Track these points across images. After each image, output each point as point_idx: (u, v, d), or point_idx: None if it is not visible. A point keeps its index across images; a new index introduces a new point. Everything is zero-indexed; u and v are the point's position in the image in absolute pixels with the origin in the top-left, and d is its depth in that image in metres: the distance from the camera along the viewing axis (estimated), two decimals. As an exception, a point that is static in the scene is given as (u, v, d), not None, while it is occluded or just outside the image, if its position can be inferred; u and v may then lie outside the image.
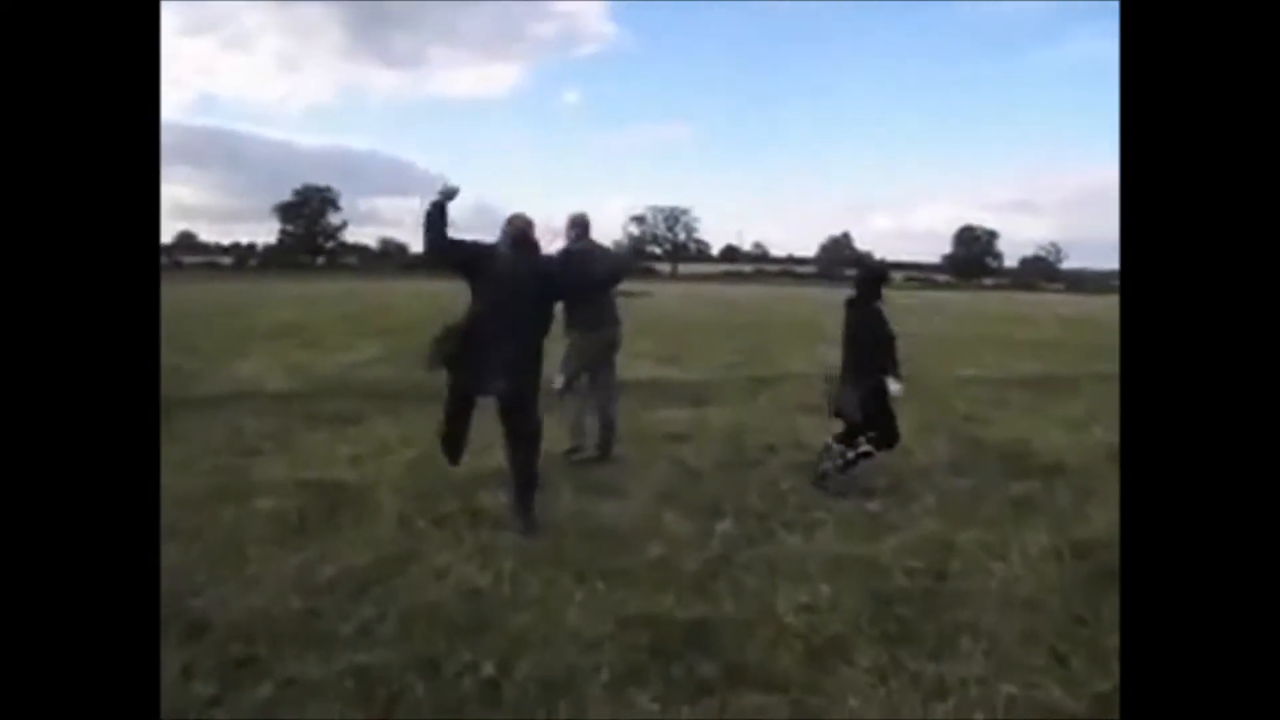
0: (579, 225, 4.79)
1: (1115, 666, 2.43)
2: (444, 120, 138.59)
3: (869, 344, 4.42)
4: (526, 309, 3.55)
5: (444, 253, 3.63)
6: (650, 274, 59.57)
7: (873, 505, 4.10)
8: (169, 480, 4.32)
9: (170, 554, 3.07)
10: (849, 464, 4.40)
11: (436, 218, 3.58)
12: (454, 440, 3.80)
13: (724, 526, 3.62)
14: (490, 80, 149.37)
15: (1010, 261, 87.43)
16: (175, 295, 25.53)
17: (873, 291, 4.59)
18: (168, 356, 9.43)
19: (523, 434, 3.62)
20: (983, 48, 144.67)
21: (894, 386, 4.32)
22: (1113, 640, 2.61)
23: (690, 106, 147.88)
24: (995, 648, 2.63)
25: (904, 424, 4.62)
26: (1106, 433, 6.01)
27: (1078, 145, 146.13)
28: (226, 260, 77.27)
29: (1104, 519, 3.88)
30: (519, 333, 3.53)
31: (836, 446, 4.45)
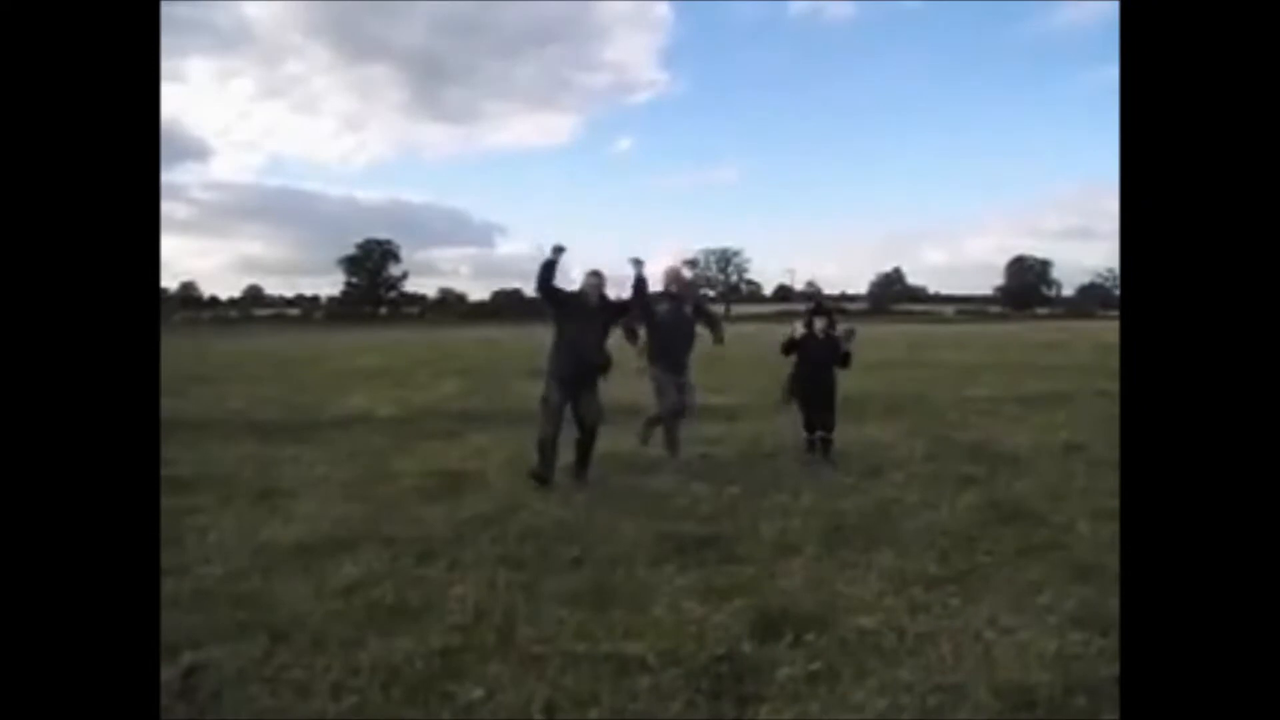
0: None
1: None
2: (498, 172, 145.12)
3: None
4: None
5: (547, 295, 5.41)
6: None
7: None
8: (333, 472, 5.95)
9: (379, 493, 4.65)
10: None
11: (548, 268, 5.34)
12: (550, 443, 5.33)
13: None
14: (543, 131, 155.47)
15: (1069, 289, 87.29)
16: (260, 344, 28.19)
17: None
18: (284, 392, 11.40)
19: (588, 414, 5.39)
20: (1031, 68, 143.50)
21: None
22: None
23: (738, 147, 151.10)
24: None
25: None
26: (1072, 434, 6.98)
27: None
28: (294, 312, 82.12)
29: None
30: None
31: None
